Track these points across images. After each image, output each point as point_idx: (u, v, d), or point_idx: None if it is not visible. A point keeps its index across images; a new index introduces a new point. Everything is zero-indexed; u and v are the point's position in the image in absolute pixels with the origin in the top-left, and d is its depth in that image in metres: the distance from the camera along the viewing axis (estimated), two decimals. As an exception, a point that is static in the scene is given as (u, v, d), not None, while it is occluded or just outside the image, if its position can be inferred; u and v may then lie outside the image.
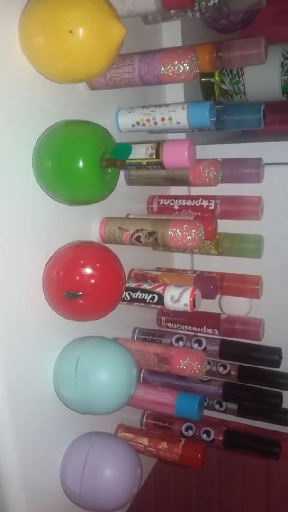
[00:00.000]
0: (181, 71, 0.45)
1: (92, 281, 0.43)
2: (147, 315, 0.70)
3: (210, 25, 0.71)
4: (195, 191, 0.68)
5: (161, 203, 0.66)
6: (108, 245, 0.55)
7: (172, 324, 0.71)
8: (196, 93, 0.76)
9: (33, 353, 0.47)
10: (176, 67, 0.45)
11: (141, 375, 0.67)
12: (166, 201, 0.66)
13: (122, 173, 0.60)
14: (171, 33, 0.68)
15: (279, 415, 0.67)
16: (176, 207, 0.65)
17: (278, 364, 0.61)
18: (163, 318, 0.71)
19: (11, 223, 0.43)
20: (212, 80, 0.74)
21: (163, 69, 0.46)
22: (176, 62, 0.45)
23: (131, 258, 0.64)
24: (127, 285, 0.55)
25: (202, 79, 0.75)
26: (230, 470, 1.23)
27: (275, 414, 0.66)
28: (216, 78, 0.74)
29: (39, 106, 0.45)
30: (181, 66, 0.45)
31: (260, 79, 0.71)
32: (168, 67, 0.46)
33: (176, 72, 0.46)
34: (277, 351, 0.61)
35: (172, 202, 0.66)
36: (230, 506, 1.28)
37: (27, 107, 0.44)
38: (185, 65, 0.45)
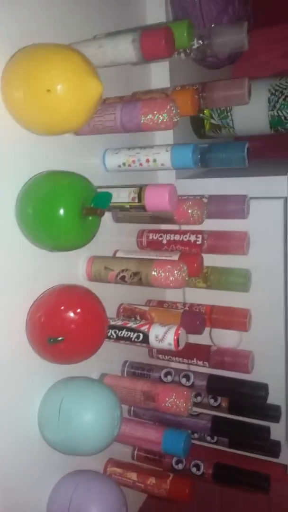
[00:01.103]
0: (160, 120, 0.47)
1: (73, 326, 0.44)
2: (139, 347, 0.70)
3: (199, 62, 0.73)
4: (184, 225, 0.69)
5: (150, 237, 0.67)
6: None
7: (163, 356, 0.71)
8: (186, 128, 0.77)
9: (17, 395, 0.48)
10: (155, 117, 0.47)
11: (132, 409, 0.67)
12: (155, 236, 0.67)
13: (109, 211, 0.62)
14: (159, 72, 0.69)
15: (269, 448, 0.67)
16: (164, 241, 0.66)
17: (264, 400, 0.61)
18: (155, 350, 0.72)
19: (-6, 270, 0.44)
20: (201, 115, 0.76)
21: (143, 118, 0.47)
22: (155, 112, 0.47)
23: (122, 290, 0.65)
24: (113, 323, 0.56)
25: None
26: (231, 491, 1.22)
27: (264, 447, 0.66)
28: (206, 113, 0.76)
29: (24, 153, 0.47)
30: (160, 116, 0.46)
31: (247, 115, 0.72)
32: (148, 117, 0.47)
33: (156, 122, 0.47)
34: (262, 387, 0.61)
35: (161, 236, 0.67)
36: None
37: (12, 155, 0.45)
38: (164, 115, 0.46)
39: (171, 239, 0.66)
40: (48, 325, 0.45)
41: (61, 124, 0.41)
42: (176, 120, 0.47)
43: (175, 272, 0.52)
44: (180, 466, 0.65)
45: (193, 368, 0.69)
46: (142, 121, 0.48)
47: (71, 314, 0.44)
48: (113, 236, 0.64)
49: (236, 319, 0.67)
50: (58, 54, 0.40)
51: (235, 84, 0.58)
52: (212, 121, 0.75)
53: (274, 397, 0.66)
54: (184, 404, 0.54)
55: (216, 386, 0.64)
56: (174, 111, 0.47)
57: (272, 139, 0.84)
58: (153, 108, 0.47)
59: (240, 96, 0.58)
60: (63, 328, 0.44)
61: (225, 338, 0.71)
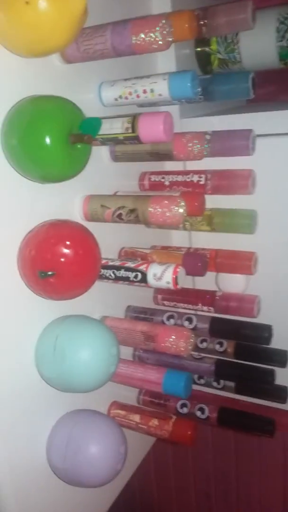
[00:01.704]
0: (152, 40, 0.43)
1: (63, 259, 0.43)
2: (144, 293, 0.69)
3: (203, -10, 0.68)
4: (190, 165, 0.66)
5: (152, 179, 0.65)
6: (96, 224, 0.54)
7: (169, 302, 0.70)
8: (192, 66, 0.73)
9: (16, 330, 0.47)
10: (147, 36, 0.43)
11: (136, 353, 0.67)
12: (157, 177, 0.65)
13: (107, 150, 0.59)
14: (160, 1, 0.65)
15: (274, 392, 0.66)
16: (167, 183, 0.64)
17: (267, 341, 0.60)
18: (160, 296, 0.70)
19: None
20: (207, 49, 0.71)
21: (134, 38, 0.44)
22: (147, 31, 0.43)
23: (126, 235, 0.64)
24: (111, 263, 0.55)
25: (198, 49, 0.72)
26: (246, 442, 1.23)
27: (270, 391, 0.65)
28: (212, 47, 0.72)
29: (11, 83, 0.44)
30: (152, 35, 0.43)
31: (255, 47, 0.68)
32: (139, 36, 0.44)
33: (147, 41, 0.44)
34: (266, 328, 0.60)
35: (163, 178, 0.64)
36: (247, 480, 1.28)
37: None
38: (156, 33, 0.43)
39: (174, 180, 0.63)
40: (39, 258, 0.43)
41: (44, 42, 0.39)
42: (169, 39, 0.44)
43: (172, 207, 0.50)
44: (184, 410, 0.64)
45: (199, 314, 0.68)
46: (133, 42, 0.44)
47: (62, 247, 0.43)
48: (112, 178, 0.62)
49: (241, 262, 0.64)
50: None
51: (237, 7, 0.54)
52: (219, 55, 0.71)
53: (282, 342, 0.65)
54: (184, 344, 0.53)
55: (218, 328, 0.63)
56: (167, 30, 0.43)
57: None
58: (144, 26, 0.43)
59: (243, 20, 0.54)
60: (54, 261, 0.43)
61: (231, 283, 0.69)
